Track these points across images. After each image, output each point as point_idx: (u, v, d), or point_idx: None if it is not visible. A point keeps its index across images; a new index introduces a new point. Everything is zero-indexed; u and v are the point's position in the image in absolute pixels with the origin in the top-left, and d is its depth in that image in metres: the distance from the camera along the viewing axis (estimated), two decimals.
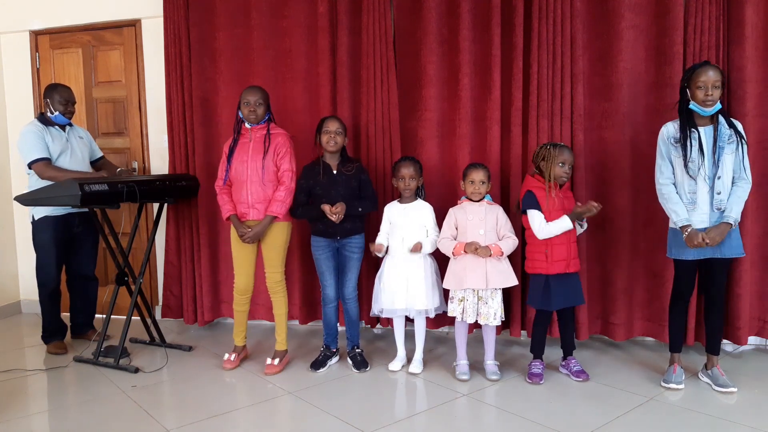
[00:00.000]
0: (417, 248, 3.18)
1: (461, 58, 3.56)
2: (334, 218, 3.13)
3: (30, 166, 3.52)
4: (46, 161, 3.51)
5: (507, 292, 3.48)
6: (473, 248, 3.01)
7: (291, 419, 2.78)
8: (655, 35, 3.37)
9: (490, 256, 3.03)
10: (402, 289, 3.23)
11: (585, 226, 3.11)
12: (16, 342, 4.04)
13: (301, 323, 4.01)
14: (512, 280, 3.13)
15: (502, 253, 3.06)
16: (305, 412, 2.80)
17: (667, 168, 2.88)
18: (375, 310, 3.35)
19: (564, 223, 2.96)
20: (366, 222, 3.41)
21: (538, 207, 3.00)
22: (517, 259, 3.45)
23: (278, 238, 3.29)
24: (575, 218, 2.98)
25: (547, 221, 2.99)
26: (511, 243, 3.10)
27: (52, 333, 3.76)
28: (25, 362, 3.58)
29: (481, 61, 3.57)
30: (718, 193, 2.79)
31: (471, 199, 3.15)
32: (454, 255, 3.10)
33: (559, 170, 2.99)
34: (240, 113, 3.27)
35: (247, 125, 3.28)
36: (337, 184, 3.24)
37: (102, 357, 3.46)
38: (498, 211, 3.15)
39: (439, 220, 3.27)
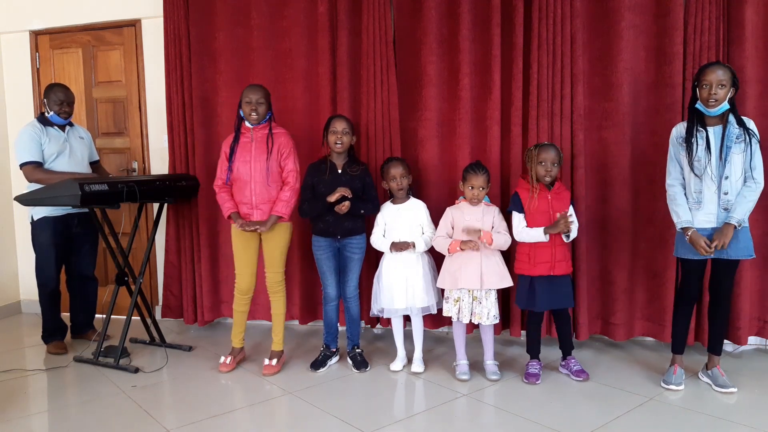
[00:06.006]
0: (402, 248, 3.19)
1: (461, 58, 3.56)
2: (340, 207, 3.12)
3: (20, 167, 3.54)
4: (35, 165, 3.52)
5: (506, 292, 3.48)
6: (468, 232, 3.01)
7: (291, 419, 2.78)
8: (655, 35, 3.37)
9: (480, 237, 3.01)
10: (401, 289, 3.23)
11: (571, 237, 3.05)
12: (16, 342, 4.04)
13: (301, 323, 4.01)
14: (507, 281, 3.13)
15: (492, 242, 3.04)
16: (305, 412, 2.80)
17: (675, 169, 2.88)
18: (375, 309, 3.35)
19: (536, 234, 2.98)
20: (367, 223, 3.41)
21: (521, 209, 3.03)
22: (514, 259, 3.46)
23: (281, 239, 3.29)
24: (550, 232, 2.97)
25: (531, 223, 3.01)
26: (503, 239, 3.09)
27: (52, 333, 3.76)
28: (25, 362, 3.58)
29: (481, 61, 3.57)
30: (725, 194, 2.77)
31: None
32: (449, 252, 3.10)
33: (540, 169, 2.98)
34: (241, 112, 3.26)
35: (248, 124, 3.25)
36: (340, 184, 3.22)
37: (102, 357, 3.46)
38: (495, 212, 3.16)
39: (438, 220, 3.26)
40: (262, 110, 3.20)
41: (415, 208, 3.28)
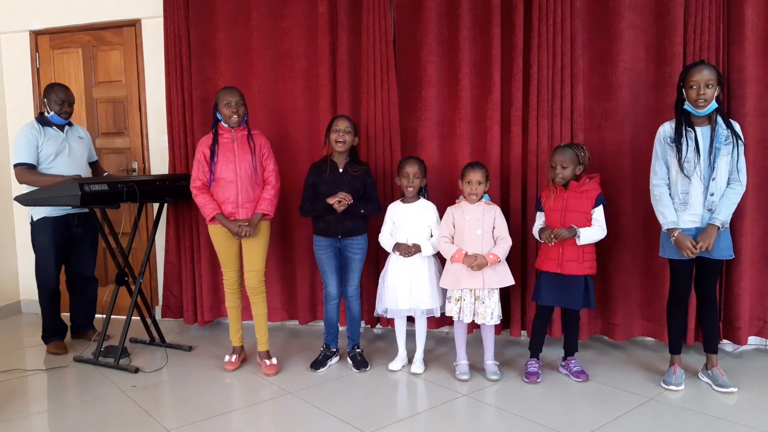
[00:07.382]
0: (404, 251, 3.19)
1: (461, 58, 3.56)
2: (336, 205, 3.14)
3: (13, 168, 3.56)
4: (26, 167, 3.52)
5: (506, 293, 3.49)
6: (472, 262, 3.02)
7: (291, 419, 2.77)
8: (655, 35, 3.37)
9: (486, 265, 3.05)
10: (406, 289, 3.22)
11: (583, 241, 2.99)
12: (16, 342, 4.04)
13: (301, 323, 4.01)
14: (509, 280, 3.14)
15: (500, 260, 3.09)
16: (305, 412, 2.80)
17: (661, 168, 2.89)
18: (379, 310, 3.34)
19: (535, 233, 3.14)
20: (368, 223, 3.40)
21: (540, 208, 3.13)
22: (517, 256, 3.46)
23: (262, 237, 3.30)
24: (539, 237, 3.07)
25: (547, 220, 3.09)
26: (505, 247, 3.11)
27: (52, 333, 3.76)
28: (25, 362, 3.58)
29: (481, 61, 3.57)
30: (711, 195, 2.79)
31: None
32: (452, 261, 3.11)
33: (551, 171, 3.07)
34: (218, 114, 3.24)
35: (224, 125, 3.24)
36: (341, 183, 3.23)
37: (102, 357, 3.46)
38: (495, 211, 3.16)
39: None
40: (242, 111, 3.23)
41: (424, 209, 3.27)
